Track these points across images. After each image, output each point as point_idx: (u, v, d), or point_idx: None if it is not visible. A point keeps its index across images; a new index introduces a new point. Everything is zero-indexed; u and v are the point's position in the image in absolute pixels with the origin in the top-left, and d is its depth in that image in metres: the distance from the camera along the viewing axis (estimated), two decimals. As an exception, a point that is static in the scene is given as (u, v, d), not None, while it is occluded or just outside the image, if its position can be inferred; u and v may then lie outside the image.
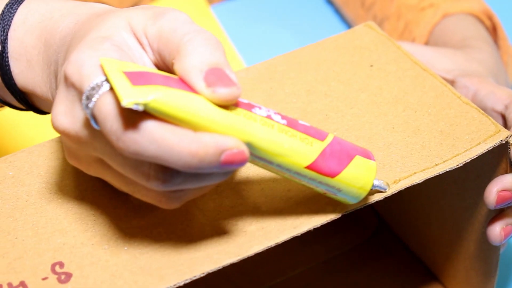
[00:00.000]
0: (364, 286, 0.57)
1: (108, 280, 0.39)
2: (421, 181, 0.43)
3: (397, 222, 0.59)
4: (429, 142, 0.45)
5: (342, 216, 0.59)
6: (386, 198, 0.58)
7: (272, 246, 0.40)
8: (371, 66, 0.49)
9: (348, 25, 0.76)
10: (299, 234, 0.41)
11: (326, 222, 0.41)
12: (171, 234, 0.41)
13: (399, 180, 0.43)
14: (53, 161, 0.45)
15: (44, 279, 0.39)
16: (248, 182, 0.43)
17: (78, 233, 0.41)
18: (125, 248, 0.40)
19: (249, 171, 0.43)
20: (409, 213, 0.57)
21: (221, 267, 0.39)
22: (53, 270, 0.39)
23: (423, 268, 0.57)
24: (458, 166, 0.43)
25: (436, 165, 0.43)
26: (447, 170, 0.43)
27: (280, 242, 0.40)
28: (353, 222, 0.60)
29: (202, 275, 0.39)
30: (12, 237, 0.41)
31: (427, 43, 0.63)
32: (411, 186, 0.43)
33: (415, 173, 0.43)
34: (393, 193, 0.42)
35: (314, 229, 0.58)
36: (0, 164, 0.45)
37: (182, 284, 0.39)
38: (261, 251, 0.40)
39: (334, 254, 0.59)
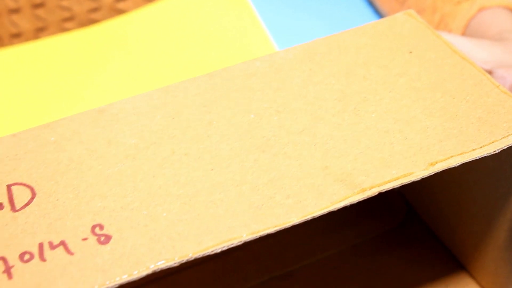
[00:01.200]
0: (392, 271, 0.57)
1: (147, 244, 0.39)
2: (457, 164, 0.43)
3: (426, 210, 0.60)
4: (466, 128, 0.45)
5: (372, 203, 0.60)
6: (416, 186, 0.59)
7: (309, 219, 0.41)
8: (410, 52, 0.50)
9: (382, 17, 0.76)
10: (336, 209, 0.41)
11: (362, 199, 0.42)
12: (209, 203, 0.41)
13: (436, 162, 0.43)
14: (94, 129, 0.45)
15: (84, 239, 0.40)
16: (286, 157, 0.44)
17: (118, 198, 0.42)
18: (164, 214, 0.41)
19: (287, 147, 0.44)
20: (439, 201, 0.57)
21: (258, 237, 0.40)
22: (93, 232, 0.40)
23: (451, 258, 0.58)
24: (495, 152, 0.44)
25: (473, 150, 0.44)
26: (484, 155, 0.43)
27: (317, 216, 0.41)
28: (382, 209, 0.60)
29: (240, 243, 0.40)
30: (53, 198, 0.42)
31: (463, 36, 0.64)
32: (443, 174, 0.43)
33: (452, 156, 0.43)
34: (430, 174, 0.43)
35: (343, 213, 0.59)
36: (42, 129, 0.45)
37: (219, 250, 0.39)
38: (298, 223, 0.41)
39: (363, 239, 0.59)
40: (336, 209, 0.41)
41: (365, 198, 0.42)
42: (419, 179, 0.43)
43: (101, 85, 0.67)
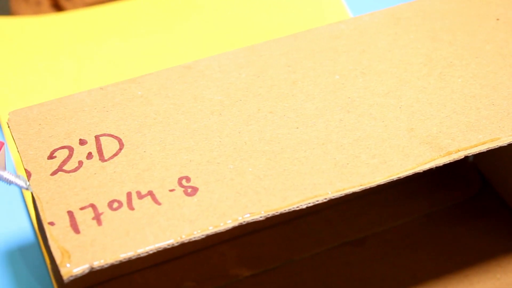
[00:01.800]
0: (464, 242, 0.57)
1: (233, 197, 0.40)
2: None
3: (501, 182, 0.59)
4: None
5: (446, 173, 0.60)
6: (491, 158, 0.58)
7: (394, 179, 0.41)
8: (497, 19, 0.49)
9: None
10: (421, 171, 0.41)
11: (448, 162, 0.41)
12: (295, 160, 0.41)
13: None
14: (181, 85, 0.46)
15: (171, 190, 0.40)
16: (371, 118, 0.44)
17: (204, 152, 0.42)
18: (250, 169, 0.41)
19: (372, 109, 0.44)
20: (516, 175, 0.57)
21: (343, 195, 0.40)
22: (180, 183, 0.41)
23: (525, 231, 0.57)
24: None
25: None
26: None
27: (403, 177, 0.41)
28: (457, 180, 0.60)
29: (325, 200, 0.40)
30: (141, 150, 0.42)
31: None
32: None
33: (540, 123, 0.43)
34: (517, 140, 0.42)
35: (416, 182, 0.59)
36: (129, 84, 0.46)
37: (304, 206, 0.40)
38: (383, 183, 0.41)
39: (436, 209, 0.59)
40: (421, 171, 0.41)
41: (451, 161, 0.41)
42: (506, 144, 0.42)
43: (181, 45, 0.68)
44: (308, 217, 0.58)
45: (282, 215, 0.48)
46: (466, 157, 0.61)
